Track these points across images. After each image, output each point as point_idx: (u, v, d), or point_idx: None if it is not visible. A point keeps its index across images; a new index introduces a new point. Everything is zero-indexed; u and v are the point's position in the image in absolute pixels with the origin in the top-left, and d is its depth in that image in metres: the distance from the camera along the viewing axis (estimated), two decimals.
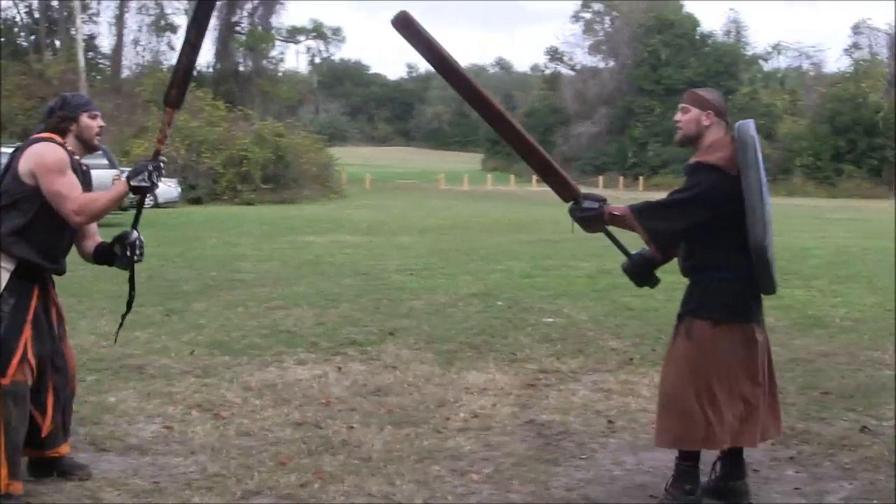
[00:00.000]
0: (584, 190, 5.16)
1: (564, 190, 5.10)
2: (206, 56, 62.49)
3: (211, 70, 65.53)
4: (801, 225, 27.78)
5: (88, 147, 5.20)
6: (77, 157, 5.13)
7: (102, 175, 19.46)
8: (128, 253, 5.21)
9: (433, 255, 18.10)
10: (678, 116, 5.10)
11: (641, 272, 5.26)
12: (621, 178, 70.01)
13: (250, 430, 6.30)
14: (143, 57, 62.77)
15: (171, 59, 63.76)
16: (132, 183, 4.97)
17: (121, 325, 5.70)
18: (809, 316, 10.95)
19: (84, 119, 5.13)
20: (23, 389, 4.91)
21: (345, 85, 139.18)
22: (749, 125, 4.86)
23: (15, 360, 4.87)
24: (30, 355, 4.94)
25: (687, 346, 4.97)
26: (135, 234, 5.23)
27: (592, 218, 5.03)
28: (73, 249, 5.30)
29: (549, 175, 5.10)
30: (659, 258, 5.15)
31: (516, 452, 5.95)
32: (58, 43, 56.61)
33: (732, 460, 5.18)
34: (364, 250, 19.03)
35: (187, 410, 6.77)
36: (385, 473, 5.50)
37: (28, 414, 5.00)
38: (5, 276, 4.91)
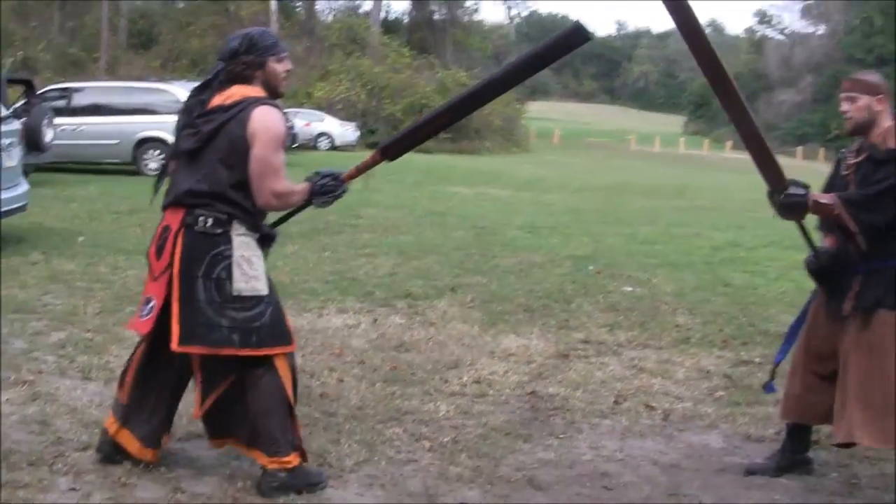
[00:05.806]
0: (781, 159, 4.77)
1: (777, 178, 4.75)
2: (402, 3, 63.08)
3: (406, 17, 66.06)
4: None
5: (275, 95, 4.52)
6: None
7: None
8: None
9: (568, 213, 17.70)
10: (846, 107, 4.88)
11: (831, 269, 4.95)
12: (822, 150, 66.72)
13: None
14: (337, 1, 63.91)
15: (366, 4, 64.60)
16: (313, 201, 4.53)
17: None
18: None
19: (271, 64, 4.43)
20: None
21: None
22: None
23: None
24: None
25: (883, 335, 4.73)
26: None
27: (795, 204, 4.73)
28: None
29: (764, 162, 4.75)
30: (862, 250, 4.78)
31: (491, 423, 5.65)
32: None
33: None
34: (501, 204, 18.81)
35: None
36: (340, 430, 5.34)
37: None
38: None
